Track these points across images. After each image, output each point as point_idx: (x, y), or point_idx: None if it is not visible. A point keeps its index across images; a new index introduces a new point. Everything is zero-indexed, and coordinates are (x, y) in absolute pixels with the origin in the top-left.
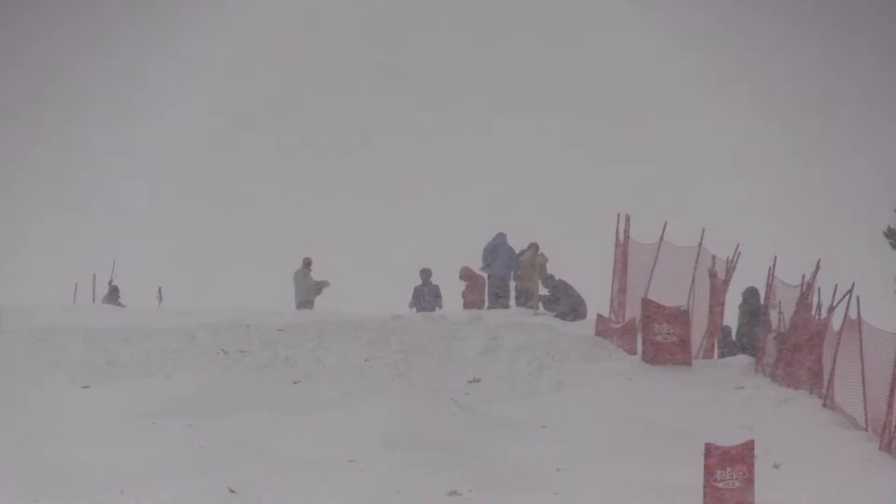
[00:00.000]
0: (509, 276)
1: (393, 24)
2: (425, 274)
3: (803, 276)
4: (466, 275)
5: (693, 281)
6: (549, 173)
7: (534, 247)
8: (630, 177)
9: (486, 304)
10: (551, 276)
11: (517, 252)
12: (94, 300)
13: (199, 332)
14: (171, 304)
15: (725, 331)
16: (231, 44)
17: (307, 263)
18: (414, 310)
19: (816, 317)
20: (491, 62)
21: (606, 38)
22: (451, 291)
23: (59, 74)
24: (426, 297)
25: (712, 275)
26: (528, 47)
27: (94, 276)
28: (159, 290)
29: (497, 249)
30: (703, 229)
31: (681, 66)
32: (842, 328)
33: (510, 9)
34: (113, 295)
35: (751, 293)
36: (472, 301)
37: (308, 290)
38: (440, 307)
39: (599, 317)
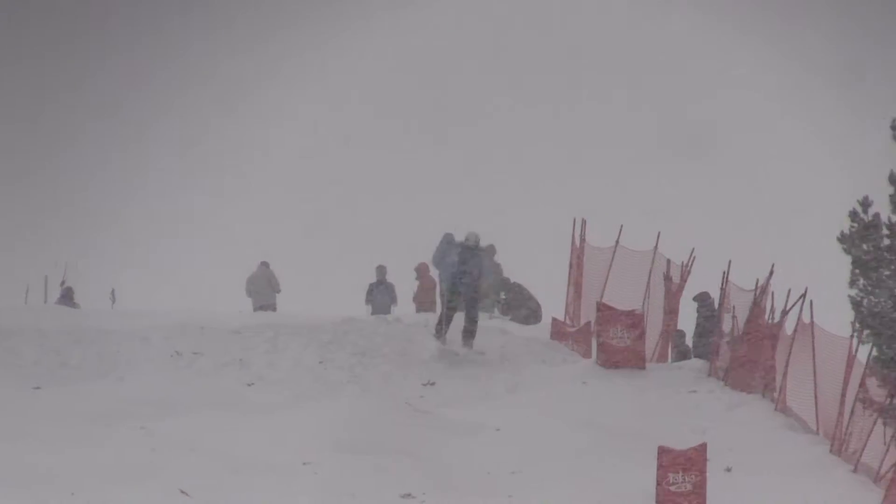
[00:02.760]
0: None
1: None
2: (381, 271)
3: (757, 281)
4: (419, 269)
5: (648, 285)
6: (506, 175)
7: (491, 249)
8: (587, 181)
9: (438, 306)
10: (507, 279)
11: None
12: (45, 301)
13: (152, 333)
14: (124, 306)
15: (679, 335)
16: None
17: (265, 264)
18: (370, 307)
19: (770, 321)
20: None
21: (590, 35)
22: (408, 290)
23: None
24: (381, 294)
25: (667, 279)
26: (485, 45)
27: (46, 277)
28: (112, 291)
29: (446, 251)
30: (659, 233)
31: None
32: (795, 332)
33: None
34: (66, 296)
35: (704, 297)
36: (422, 303)
37: (269, 292)
38: (395, 304)
39: (554, 320)
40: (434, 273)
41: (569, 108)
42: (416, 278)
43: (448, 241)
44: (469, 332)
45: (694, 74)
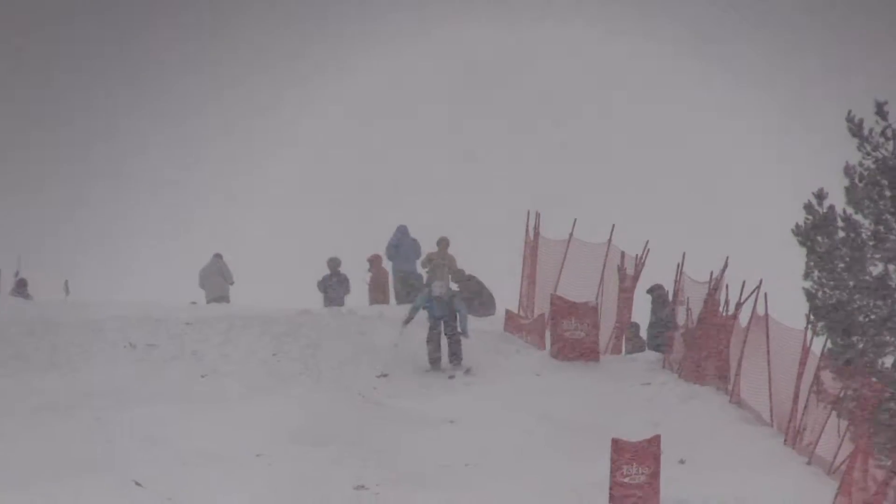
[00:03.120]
0: (415, 270)
1: None
2: (334, 263)
3: (711, 273)
4: (372, 261)
5: (602, 277)
6: (459, 168)
7: (444, 241)
8: (541, 175)
9: (393, 299)
10: (461, 271)
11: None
12: None
13: (106, 324)
14: (78, 297)
15: (633, 327)
16: None
17: (218, 256)
18: (323, 297)
19: (724, 313)
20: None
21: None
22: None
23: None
24: (334, 287)
25: (621, 271)
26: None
27: None
28: (66, 282)
29: (400, 243)
30: (613, 226)
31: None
32: (749, 325)
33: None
34: (20, 287)
35: (657, 290)
36: (375, 298)
37: (222, 284)
38: (348, 292)
39: (508, 312)
40: (387, 265)
41: (528, 123)
42: (369, 270)
43: (402, 232)
44: (455, 354)
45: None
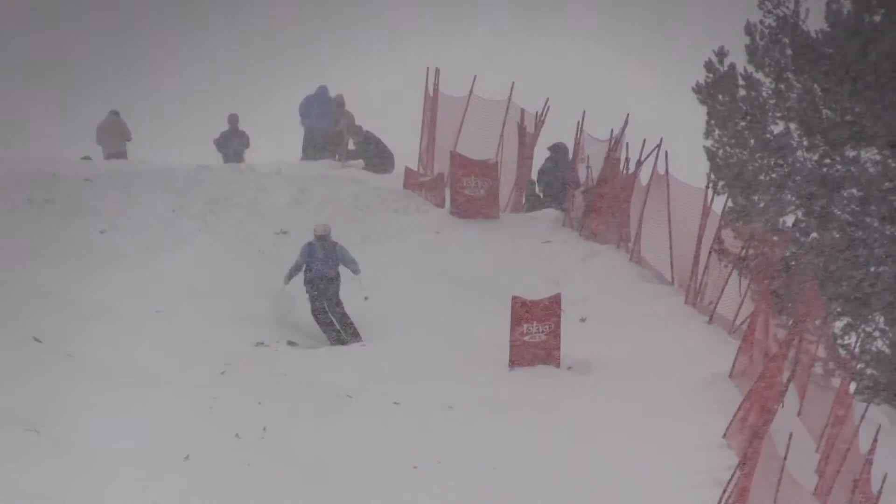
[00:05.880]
0: (326, 129)
1: None
2: (233, 119)
3: (611, 131)
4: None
5: (502, 135)
6: (363, 26)
7: (340, 99)
8: (441, 31)
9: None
10: (359, 127)
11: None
12: None
13: (3, 180)
14: None
15: (532, 185)
16: None
17: (115, 113)
18: (222, 154)
19: (624, 172)
20: None
21: None
22: (261, 140)
23: None
24: (233, 143)
25: (521, 129)
26: None
27: None
28: None
29: (312, 102)
30: (513, 83)
31: None
32: (649, 183)
33: None
34: None
35: (558, 147)
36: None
37: (119, 140)
38: (248, 147)
39: (408, 170)
40: (302, 123)
41: None
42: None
43: (319, 91)
44: (351, 333)
45: None
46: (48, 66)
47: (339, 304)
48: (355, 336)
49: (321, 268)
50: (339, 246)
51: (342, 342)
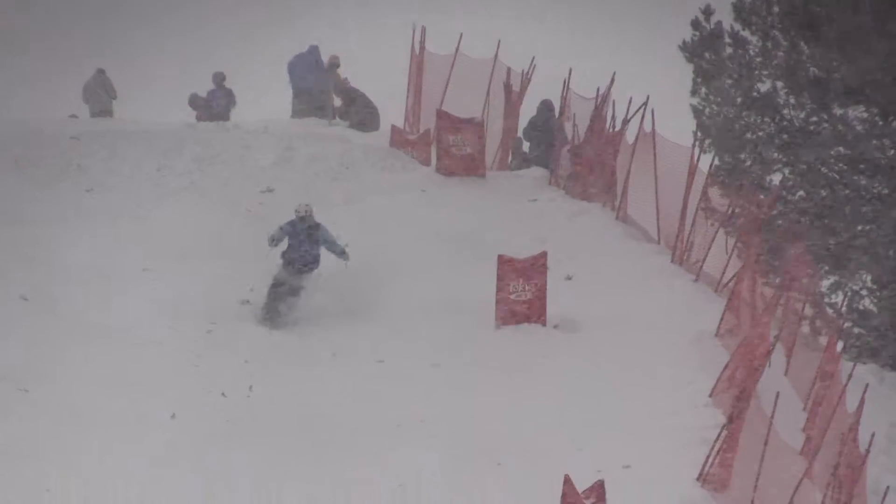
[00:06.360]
0: (317, 89)
1: None
2: (218, 77)
3: (598, 89)
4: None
5: (488, 93)
6: None
7: (333, 59)
8: None
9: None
10: (345, 82)
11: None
12: None
13: None
14: None
15: (519, 143)
16: None
17: (101, 71)
18: (207, 113)
19: (610, 130)
20: None
21: None
22: (245, 98)
23: None
24: (220, 100)
25: (507, 87)
26: None
27: None
28: None
29: (299, 61)
30: (499, 41)
31: None
32: (636, 141)
33: None
34: None
35: (545, 106)
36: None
37: (105, 98)
38: (234, 105)
39: (394, 128)
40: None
41: None
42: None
43: (309, 50)
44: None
45: None
46: (32, 30)
47: (297, 292)
48: (281, 324)
49: (302, 249)
50: (322, 227)
51: (272, 321)
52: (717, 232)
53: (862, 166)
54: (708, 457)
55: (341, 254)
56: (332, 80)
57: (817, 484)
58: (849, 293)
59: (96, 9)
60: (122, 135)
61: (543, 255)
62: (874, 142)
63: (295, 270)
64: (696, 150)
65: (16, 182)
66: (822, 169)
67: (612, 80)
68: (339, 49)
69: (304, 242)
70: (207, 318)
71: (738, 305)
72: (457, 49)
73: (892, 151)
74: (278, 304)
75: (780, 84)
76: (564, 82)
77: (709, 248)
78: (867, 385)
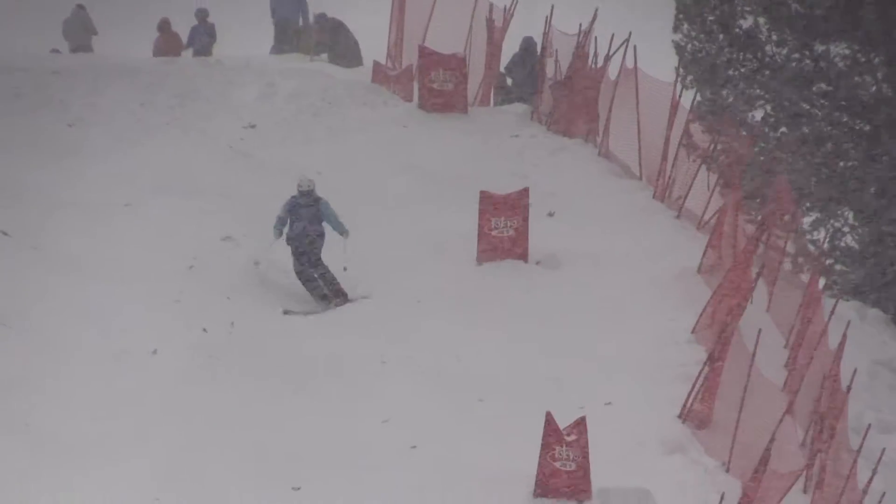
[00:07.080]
0: (296, 21)
1: None
2: (201, 13)
3: (580, 25)
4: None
5: (470, 28)
6: None
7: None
8: None
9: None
10: (323, 14)
11: None
12: None
13: None
14: None
15: (501, 79)
16: None
17: (81, 7)
18: (190, 50)
19: (593, 66)
20: None
21: None
22: (227, 34)
23: None
24: (202, 36)
25: (489, 23)
26: None
27: None
28: None
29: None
30: None
31: None
32: (618, 78)
33: None
34: None
35: (527, 42)
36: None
37: (85, 35)
38: (215, 41)
39: (376, 63)
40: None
41: None
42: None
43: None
44: (335, 291)
45: None
46: None
47: (319, 263)
48: (338, 294)
49: (304, 225)
50: (323, 202)
51: (327, 298)
52: (699, 168)
53: (843, 103)
54: (690, 394)
55: (343, 231)
56: (312, 14)
57: (799, 421)
58: (831, 230)
59: None
60: (103, 70)
61: (525, 191)
62: (856, 78)
63: (306, 261)
64: (679, 87)
65: None
66: (804, 105)
67: (595, 17)
68: None
69: (306, 218)
70: (189, 254)
71: (720, 242)
72: None
73: (874, 88)
74: (314, 283)
75: (762, 20)
76: (546, 18)
77: (690, 185)
78: (849, 322)
